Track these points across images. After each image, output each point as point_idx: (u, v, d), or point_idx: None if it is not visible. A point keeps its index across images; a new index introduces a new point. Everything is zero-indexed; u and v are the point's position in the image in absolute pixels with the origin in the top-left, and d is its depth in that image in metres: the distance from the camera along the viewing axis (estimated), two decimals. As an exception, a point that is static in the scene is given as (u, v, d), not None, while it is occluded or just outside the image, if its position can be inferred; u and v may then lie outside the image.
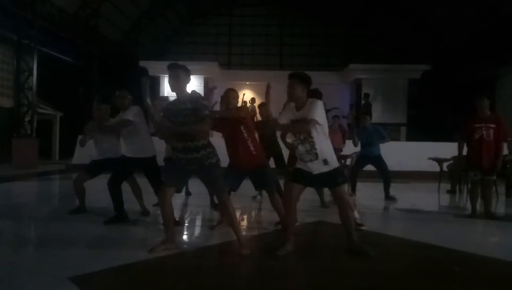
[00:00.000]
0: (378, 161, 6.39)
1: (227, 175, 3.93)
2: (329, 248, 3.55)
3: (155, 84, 14.73)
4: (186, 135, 3.09)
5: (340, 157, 7.89)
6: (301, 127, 3.18)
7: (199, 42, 19.46)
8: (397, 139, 13.11)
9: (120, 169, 4.34)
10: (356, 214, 4.69)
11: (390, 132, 6.70)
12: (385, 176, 6.36)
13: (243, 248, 3.24)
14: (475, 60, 14.04)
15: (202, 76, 14.99)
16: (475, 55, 13.93)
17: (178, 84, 3.15)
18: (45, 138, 13.12)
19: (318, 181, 3.32)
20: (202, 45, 19.40)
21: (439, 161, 7.64)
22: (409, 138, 13.85)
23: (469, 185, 5.04)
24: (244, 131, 3.88)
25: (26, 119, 11.54)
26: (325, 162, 3.18)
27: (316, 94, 4.14)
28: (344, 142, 7.46)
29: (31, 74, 11.55)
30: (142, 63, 15.50)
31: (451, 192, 7.21)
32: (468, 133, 4.91)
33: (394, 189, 6.31)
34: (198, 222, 4.79)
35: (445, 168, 7.62)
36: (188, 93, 3.20)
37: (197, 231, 4.41)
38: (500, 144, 4.85)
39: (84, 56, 14.84)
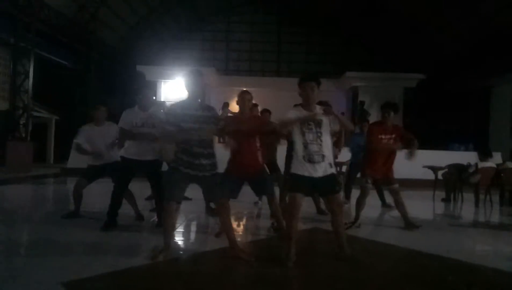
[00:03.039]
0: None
1: (226, 183, 3.92)
2: (324, 256, 3.55)
3: (153, 89, 14.75)
4: (195, 141, 3.12)
5: (336, 164, 7.93)
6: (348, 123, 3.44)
7: (197, 47, 19.53)
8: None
9: (121, 175, 4.28)
10: None
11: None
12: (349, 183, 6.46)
13: (242, 252, 3.29)
14: (470, 70, 14.21)
15: (199, 81, 15.02)
16: (469, 65, 14.09)
17: (198, 91, 3.23)
18: (40, 141, 13.06)
19: (319, 187, 3.27)
20: (200, 50, 19.47)
21: (434, 169, 7.69)
22: (404, 146, 13.93)
23: (360, 192, 4.82)
24: (258, 140, 3.92)
25: (21, 122, 11.48)
26: (331, 165, 3.25)
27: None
28: (339, 150, 7.49)
29: (27, 77, 11.52)
30: (139, 68, 15.51)
31: (446, 200, 7.24)
32: (372, 141, 4.71)
33: (388, 197, 6.32)
34: (194, 228, 4.78)
35: (440, 176, 7.66)
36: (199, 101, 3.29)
37: (193, 237, 4.39)
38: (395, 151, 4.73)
39: (81, 60, 14.82)
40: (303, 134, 3.18)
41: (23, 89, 11.54)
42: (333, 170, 3.29)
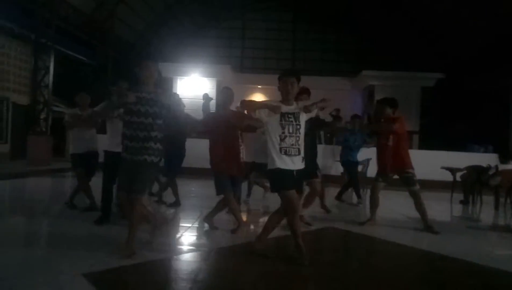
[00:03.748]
0: (357, 167, 6.75)
1: (225, 182, 4.00)
2: (336, 255, 3.53)
3: (168, 85, 14.88)
4: (138, 124, 3.19)
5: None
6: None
7: (212, 44, 19.59)
8: (410, 148, 13.03)
9: (107, 170, 4.27)
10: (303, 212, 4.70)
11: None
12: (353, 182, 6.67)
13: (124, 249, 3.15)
14: (490, 70, 13.84)
15: (215, 78, 15.09)
16: (490, 64, 13.73)
17: (148, 77, 3.32)
18: (60, 135, 13.34)
19: (300, 178, 3.24)
20: (215, 47, 19.50)
21: (452, 170, 7.55)
22: (421, 147, 13.71)
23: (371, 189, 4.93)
24: (240, 137, 3.98)
25: (42, 117, 11.77)
26: (303, 159, 3.22)
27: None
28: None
29: (47, 72, 11.79)
30: (155, 64, 15.63)
31: (464, 202, 7.11)
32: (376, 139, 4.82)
33: (406, 199, 6.23)
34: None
35: (458, 178, 7.51)
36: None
37: (208, 233, 4.41)
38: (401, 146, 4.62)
39: (99, 55, 15.06)
40: (282, 126, 3.15)
41: (44, 84, 11.82)
42: (303, 165, 3.25)
